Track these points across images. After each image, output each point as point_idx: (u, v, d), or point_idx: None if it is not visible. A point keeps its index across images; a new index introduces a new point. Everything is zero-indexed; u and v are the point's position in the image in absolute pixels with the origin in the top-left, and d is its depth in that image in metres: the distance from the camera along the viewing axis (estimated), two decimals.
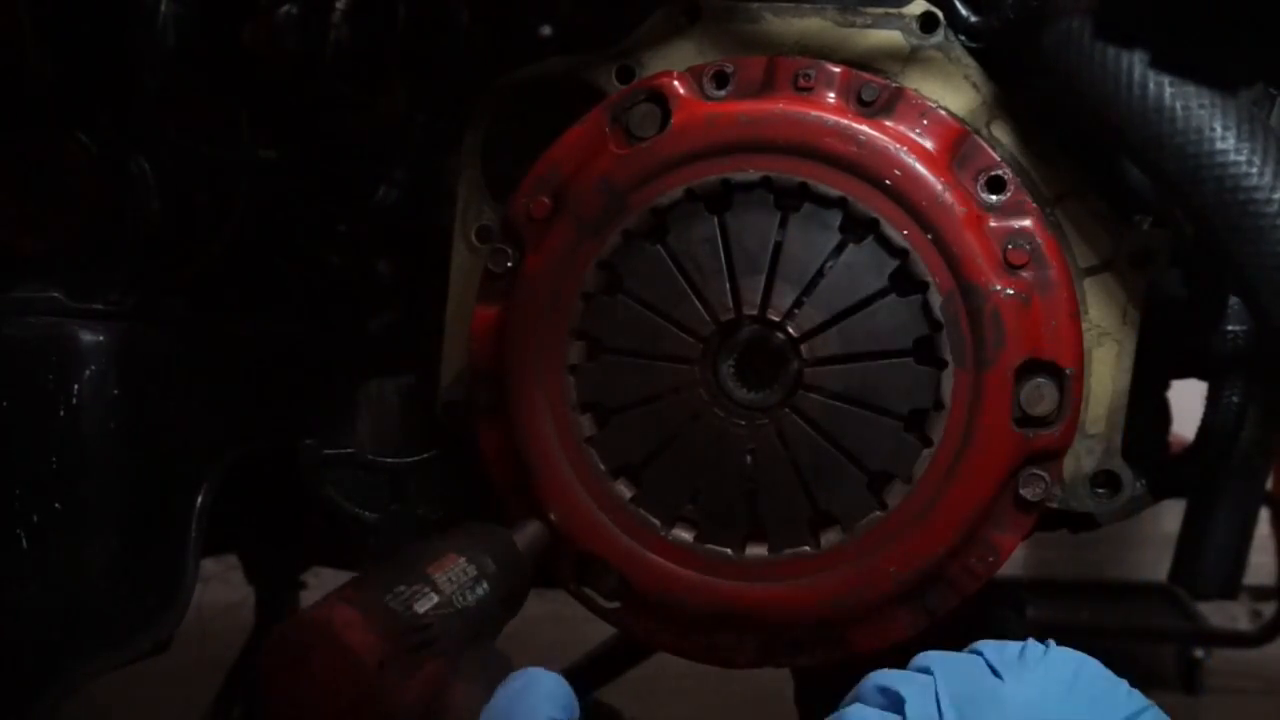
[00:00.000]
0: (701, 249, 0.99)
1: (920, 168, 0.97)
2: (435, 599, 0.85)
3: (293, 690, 0.78)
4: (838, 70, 1.01)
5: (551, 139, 1.06)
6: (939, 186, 0.97)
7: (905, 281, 0.97)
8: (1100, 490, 1.03)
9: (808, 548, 0.99)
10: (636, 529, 1.01)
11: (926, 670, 0.78)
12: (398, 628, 0.81)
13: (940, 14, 1.03)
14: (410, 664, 0.80)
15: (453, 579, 0.88)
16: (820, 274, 0.98)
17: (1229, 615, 3.32)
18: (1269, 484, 1.86)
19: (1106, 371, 1.02)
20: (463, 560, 0.90)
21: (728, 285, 0.98)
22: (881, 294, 0.97)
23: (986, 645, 0.80)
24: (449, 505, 1.16)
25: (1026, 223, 0.99)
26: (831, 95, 1.00)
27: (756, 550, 1.00)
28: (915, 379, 0.97)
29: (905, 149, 0.98)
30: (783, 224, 0.98)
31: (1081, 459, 1.02)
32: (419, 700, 0.81)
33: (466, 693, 0.83)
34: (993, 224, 0.98)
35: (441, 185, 1.21)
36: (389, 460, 1.15)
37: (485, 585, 0.90)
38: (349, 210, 1.31)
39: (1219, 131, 0.90)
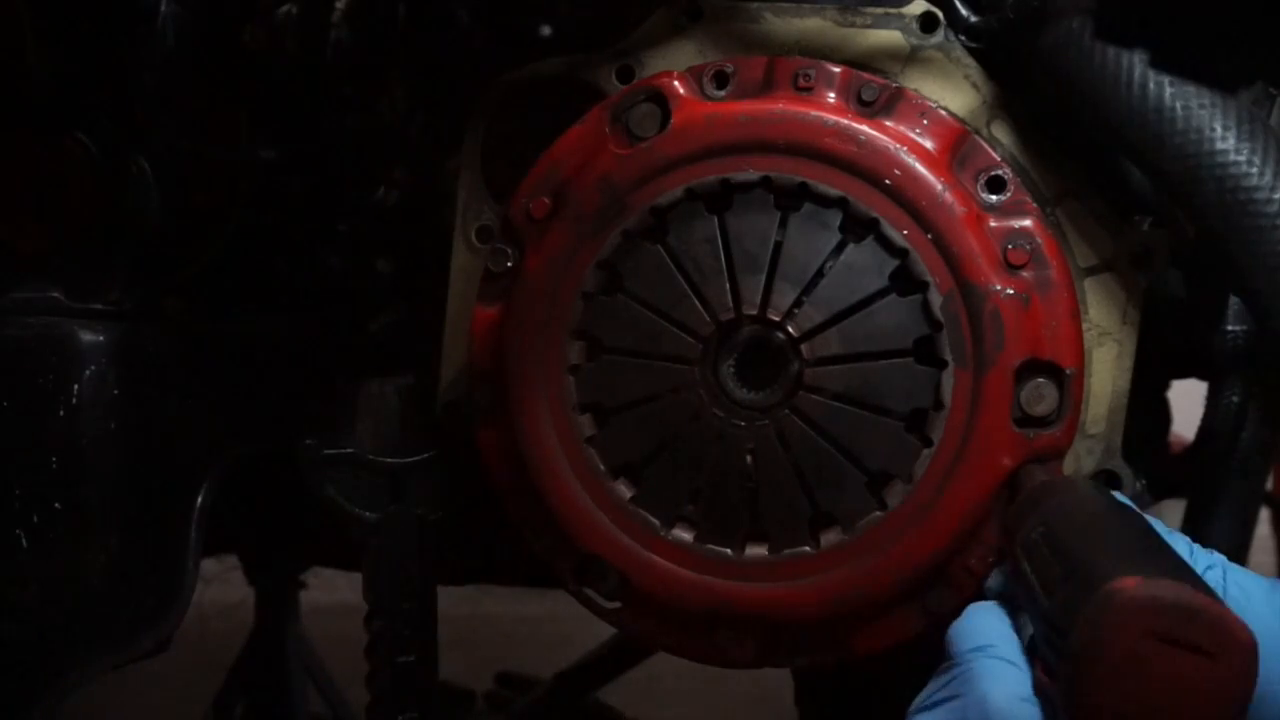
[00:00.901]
0: (701, 249, 0.99)
1: (920, 167, 0.97)
2: None
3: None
4: (838, 70, 1.01)
5: (551, 139, 1.06)
6: (939, 186, 0.97)
7: (905, 281, 0.97)
8: None
9: (808, 548, 0.99)
10: (636, 529, 1.01)
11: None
12: None
13: (940, 14, 1.03)
14: None
15: None
16: (820, 274, 0.98)
17: None
18: (1269, 484, 1.86)
19: (1106, 371, 1.02)
20: None
21: (727, 285, 0.98)
22: (881, 294, 0.97)
23: None
24: (449, 505, 1.16)
25: (1026, 223, 0.99)
26: (831, 95, 1.00)
27: (756, 550, 1.00)
28: (915, 379, 0.97)
29: (905, 149, 0.98)
30: (783, 224, 0.98)
31: (1081, 459, 1.02)
32: None
33: None
34: (993, 224, 0.98)
35: (441, 185, 1.21)
36: (389, 460, 1.15)
37: None
38: (349, 210, 1.31)
39: (1219, 131, 0.90)
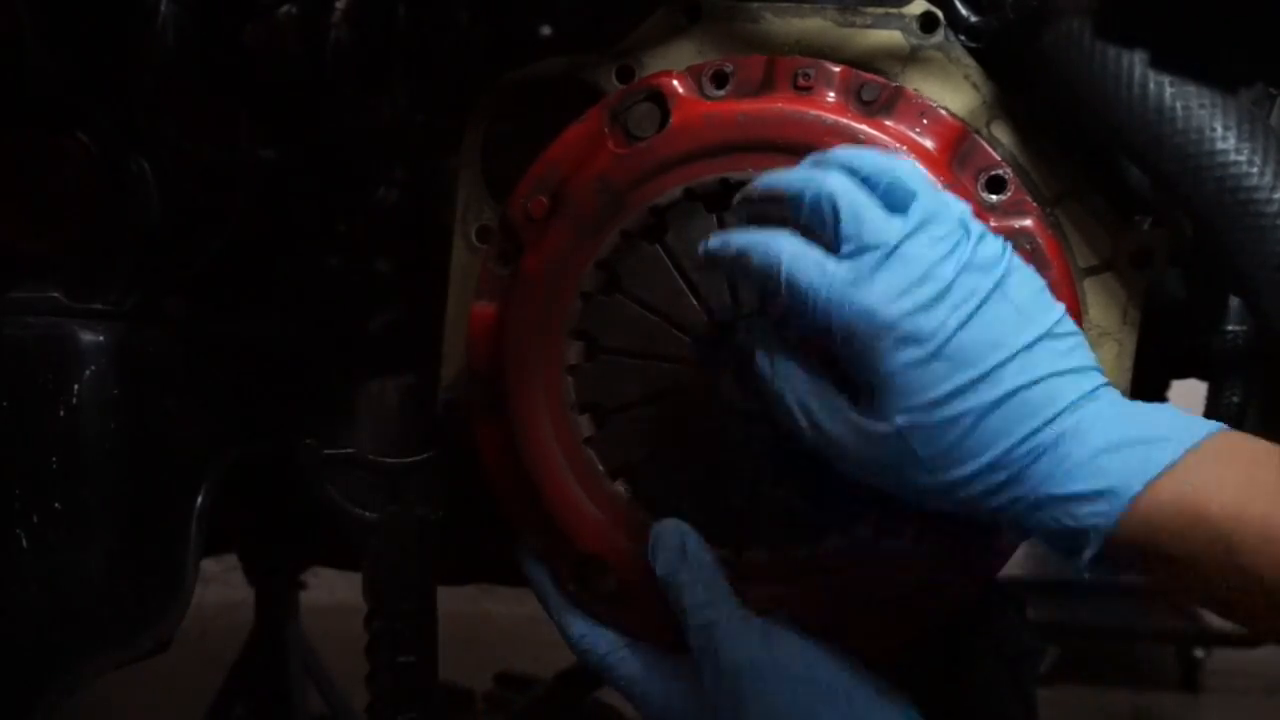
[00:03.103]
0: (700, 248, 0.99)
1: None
2: None
3: None
4: (837, 69, 1.01)
5: (551, 139, 1.06)
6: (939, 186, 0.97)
7: None
8: None
9: (807, 550, 0.99)
10: (635, 529, 1.01)
11: None
12: None
13: (940, 14, 1.03)
14: None
15: None
16: None
17: None
18: None
19: (1107, 371, 1.01)
20: None
21: (726, 285, 0.98)
22: None
23: None
24: (449, 505, 1.16)
25: (1027, 222, 0.99)
26: (831, 94, 1.00)
27: (756, 551, 1.00)
28: None
29: (905, 148, 0.98)
30: None
31: None
32: None
33: None
34: (993, 224, 0.98)
35: (441, 185, 1.21)
36: (389, 460, 1.15)
37: None
38: (349, 210, 1.31)
39: (1219, 131, 0.90)
